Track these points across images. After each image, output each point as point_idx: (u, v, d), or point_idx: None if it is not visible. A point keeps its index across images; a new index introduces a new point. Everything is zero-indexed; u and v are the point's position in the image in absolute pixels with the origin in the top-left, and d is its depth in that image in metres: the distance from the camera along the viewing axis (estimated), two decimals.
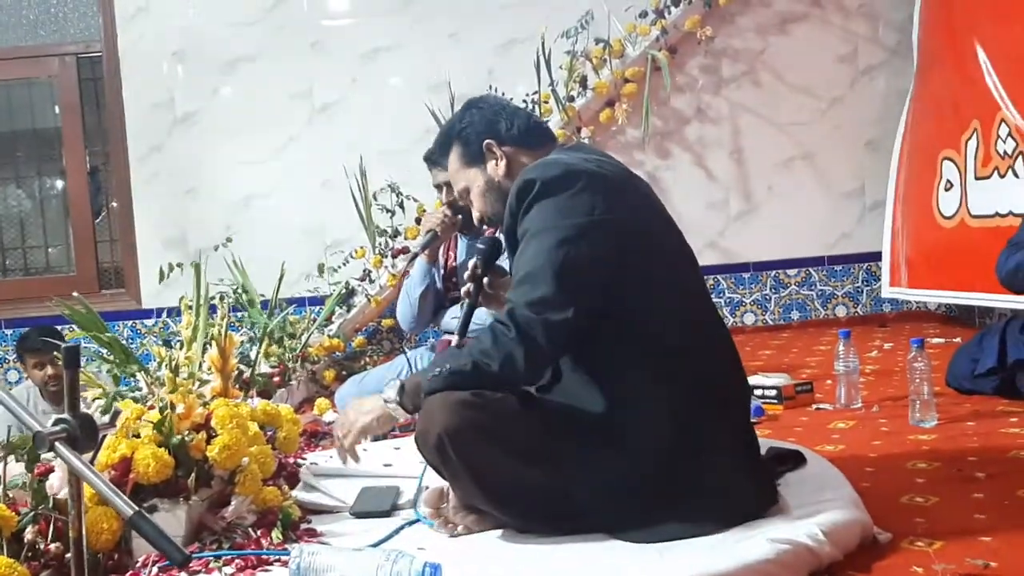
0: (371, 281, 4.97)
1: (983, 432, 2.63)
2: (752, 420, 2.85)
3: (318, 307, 4.93)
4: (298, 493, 2.31)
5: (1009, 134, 3.80)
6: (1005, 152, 3.82)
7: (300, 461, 2.61)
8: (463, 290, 2.21)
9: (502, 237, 2.13)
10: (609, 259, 1.84)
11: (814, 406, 3.14)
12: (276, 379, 3.82)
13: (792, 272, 5.37)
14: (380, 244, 5.00)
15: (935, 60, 4.65)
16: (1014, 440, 2.54)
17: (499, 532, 1.94)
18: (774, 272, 5.37)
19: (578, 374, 1.91)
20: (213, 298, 3.57)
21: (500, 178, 2.06)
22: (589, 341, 1.88)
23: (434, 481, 2.06)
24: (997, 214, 3.87)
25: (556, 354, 1.89)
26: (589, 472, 1.84)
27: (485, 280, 2.19)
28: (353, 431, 2.00)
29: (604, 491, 1.83)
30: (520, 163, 2.05)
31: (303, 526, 2.12)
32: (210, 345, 2.64)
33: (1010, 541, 1.79)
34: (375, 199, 4.99)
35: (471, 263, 2.20)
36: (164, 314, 4.66)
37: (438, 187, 3.49)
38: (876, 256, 5.30)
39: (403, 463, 2.52)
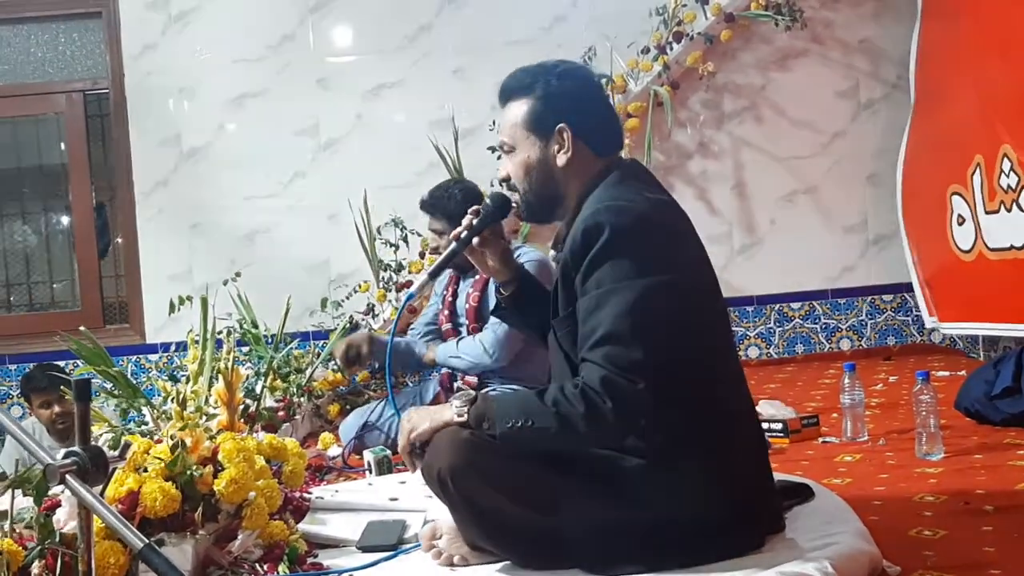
0: (375, 315, 4.98)
1: (991, 465, 2.62)
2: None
3: (322, 341, 4.93)
4: (304, 527, 2.30)
5: (1012, 168, 3.81)
6: (1009, 186, 3.83)
7: (306, 495, 2.60)
8: (452, 234, 2.09)
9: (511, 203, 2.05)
10: (679, 319, 1.80)
11: (820, 439, 3.13)
12: (281, 413, 3.81)
13: (796, 305, 5.38)
14: (384, 278, 5.02)
15: (935, 95, 4.67)
16: (1022, 473, 2.53)
17: (498, 565, 1.92)
18: (778, 306, 5.38)
19: None
20: (219, 332, 3.57)
21: (557, 166, 1.94)
22: None
23: (439, 515, 2.06)
24: (1013, 247, 3.88)
25: (640, 419, 1.77)
26: (590, 518, 1.82)
27: (475, 240, 2.06)
28: (420, 429, 1.89)
29: (603, 536, 1.82)
30: (583, 162, 1.93)
31: (309, 560, 2.11)
32: (216, 379, 2.64)
33: (1020, 575, 1.78)
34: (379, 233, 5.01)
35: (471, 209, 2.09)
36: (172, 348, 4.68)
37: (434, 232, 3.46)
38: (880, 289, 5.31)
39: (409, 497, 2.52)
